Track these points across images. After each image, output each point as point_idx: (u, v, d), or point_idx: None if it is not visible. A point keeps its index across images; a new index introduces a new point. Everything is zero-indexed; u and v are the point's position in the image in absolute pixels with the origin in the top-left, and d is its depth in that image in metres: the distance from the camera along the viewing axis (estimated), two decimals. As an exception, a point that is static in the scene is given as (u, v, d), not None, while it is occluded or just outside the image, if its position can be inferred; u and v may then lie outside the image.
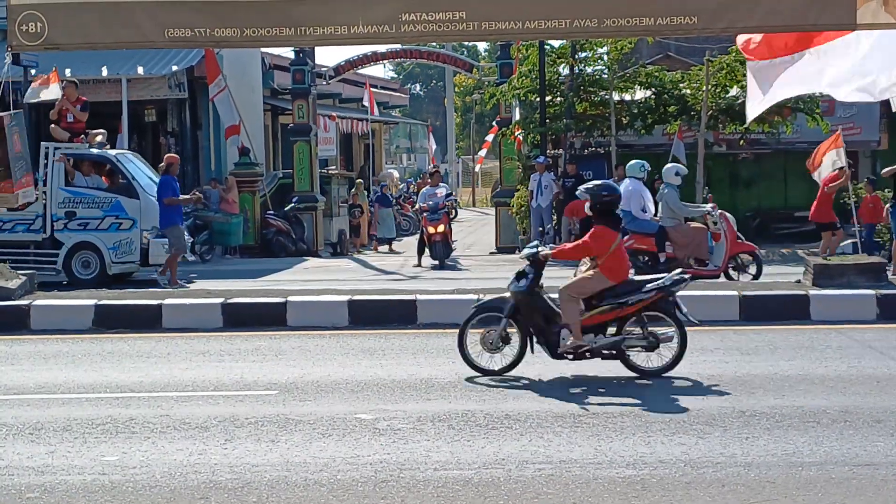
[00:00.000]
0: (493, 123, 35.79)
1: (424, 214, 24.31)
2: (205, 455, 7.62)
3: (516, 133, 28.04)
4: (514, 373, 10.10)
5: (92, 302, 13.67)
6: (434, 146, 53.89)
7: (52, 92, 22.61)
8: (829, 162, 17.88)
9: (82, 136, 20.43)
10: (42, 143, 20.45)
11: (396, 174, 45.76)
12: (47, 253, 19.62)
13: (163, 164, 19.91)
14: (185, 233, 19.87)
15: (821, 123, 25.22)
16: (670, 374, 9.94)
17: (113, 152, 21.14)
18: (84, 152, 20.44)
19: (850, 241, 24.47)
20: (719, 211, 18.71)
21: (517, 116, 28.66)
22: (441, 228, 23.79)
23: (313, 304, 13.62)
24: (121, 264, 19.68)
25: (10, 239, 19.64)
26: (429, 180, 27.01)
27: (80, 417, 8.73)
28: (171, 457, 7.61)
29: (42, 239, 19.65)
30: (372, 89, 39.20)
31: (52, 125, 20.67)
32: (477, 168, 61.44)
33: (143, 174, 20.54)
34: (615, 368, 10.25)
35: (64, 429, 8.39)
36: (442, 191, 26.24)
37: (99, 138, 20.86)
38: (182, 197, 19.58)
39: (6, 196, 14.33)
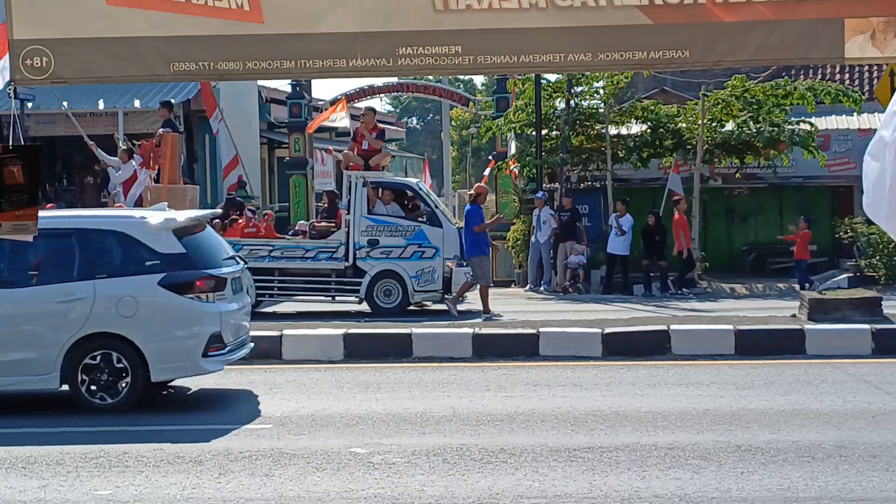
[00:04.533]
0: (490, 157, 35.89)
1: None
2: (198, 489, 7.59)
3: (511, 166, 28.12)
4: (510, 407, 10.10)
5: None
6: (430, 180, 53.95)
7: (340, 120, 23.07)
8: None
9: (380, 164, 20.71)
10: (345, 171, 20.63)
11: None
12: (349, 281, 19.61)
13: (471, 192, 20.11)
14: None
15: (818, 156, 25.28)
16: (666, 407, 9.94)
17: (413, 180, 21.22)
18: (386, 180, 20.61)
19: (845, 275, 24.56)
20: None
21: (513, 150, 28.74)
22: None
23: (308, 337, 13.61)
24: (423, 293, 19.66)
25: (313, 267, 19.73)
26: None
27: (73, 451, 8.70)
28: (164, 491, 7.58)
29: (344, 267, 19.60)
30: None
31: (346, 151, 20.93)
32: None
33: (440, 203, 20.77)
34: (612, 401, 10.27)
35: (57, 462, 8.36)
36: None
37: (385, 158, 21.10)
38: (488, 222, 19.77)
39: None
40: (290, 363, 13.02)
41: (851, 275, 24.43)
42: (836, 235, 27.14)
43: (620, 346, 13.13)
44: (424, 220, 19.76)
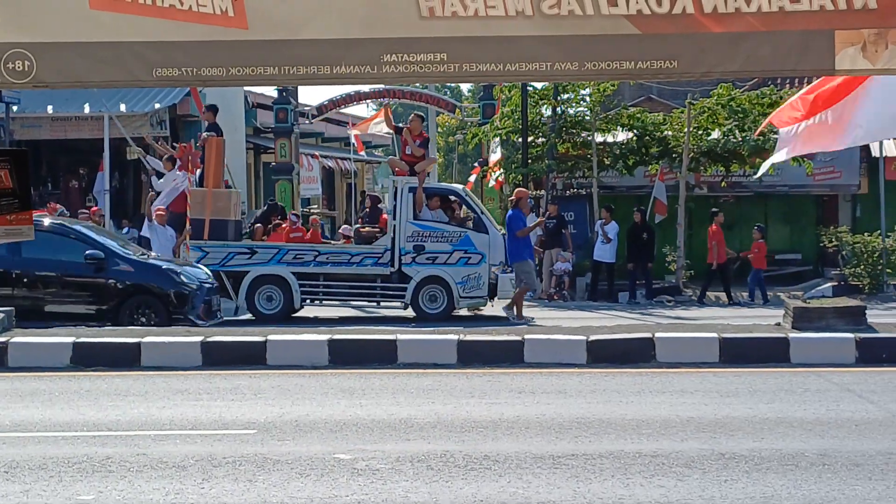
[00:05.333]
0: (475, 164, 35.91)
1: None
2: (182, 494, 7.58)
3: (495, 173, 28.15)
4: (495, 413, 10.10)
5: (70, 340, 13.60)
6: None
7: (377, 125, 23.19)
8: None
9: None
10: (390, 177, 20.67)
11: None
12: (395, 287, 19.69)
13: (512, 197, 20.17)
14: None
15: (804, 163, 25.35)
16: (651, 415, 9.95)
17: (459, 186, 21.16)
18: (431, 186, 20.64)
19: (829, 284, 24.63)
20: None
21: (494, 156, 28.77)
22: None
23: (293, 342, 13.59)
24: (469, 299, 19.67)
25: (358, 272, 19.77)
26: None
27: (56, 456, 8.67)
28: (147, 496, 7.56)
29: (390, 273, 19.68)
30: (355, 128, 39.32)
31: (391, 157, 21.04)
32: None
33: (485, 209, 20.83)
34: (597, 409, 10.27)
35: (39, 467, 8.32)
36: None
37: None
38: (530, 225, 19.74)
39: None
40: (274, 368, 12.99)
41: (836, 283, 24.54)
42: (821, 244, 27.23)
43: (605, 354, 13.14)
44: (470, 225, 19.77)
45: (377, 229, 20.70)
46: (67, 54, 13.25)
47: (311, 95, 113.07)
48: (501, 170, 27.77)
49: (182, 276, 17.70)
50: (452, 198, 20.49)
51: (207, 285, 18.20)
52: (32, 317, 16.37)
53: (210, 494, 7.57)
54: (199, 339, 13.59)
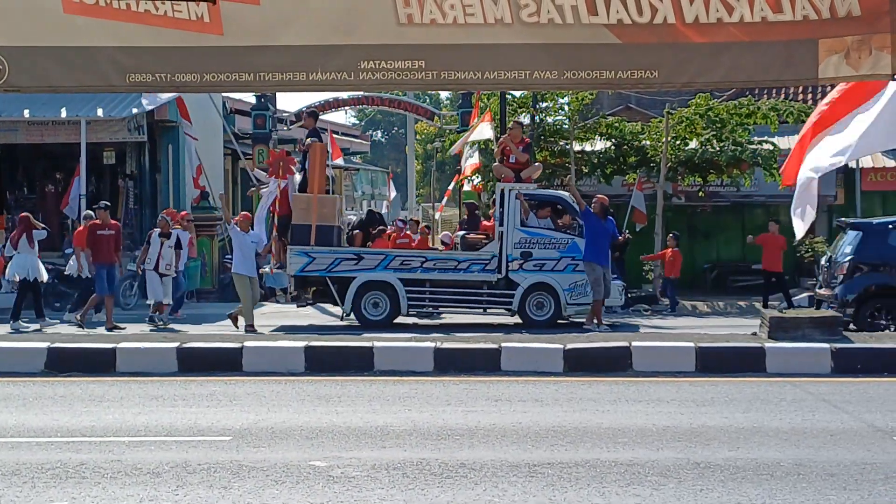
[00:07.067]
0: (456, 171, 35.90)
1: None
2: (156, 501, 7.54)
3: (474, 180, 28.12)
4: (471, 421, 10.09)
5: (44, 345, 13.53)
6: (394, 193, 53.95)
7: (483, 132, 23.10)
8: None
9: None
10: (497, 183, 20.54)
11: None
12: (501, 293, 19.59)
13: (596, 202, 20.07)
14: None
15: (777, 179, 25.42)
16: (627, 424, 9.95)
17: (565, 193, 21.05)
18: (538, 192, 20.48)
19: (805, 294, 24.69)
20: None
21: (471, 160, 28.75)
22: None
23: (269, 349, 13.55)
24: (576, 306, 19.57)
25: (465, 279, 19.67)
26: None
27: (30, 462, 8.61)
28: (121, 502, 7.51)
29: (497, 279, 19.59)
30: (333, 135, 39.32)
31: (495, 164, 20.89)
32: (437, 216, 61.45)
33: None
34: (573, 417, 10.27)
35: (13, 473, 8.27)
36: None
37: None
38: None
39: None
40: (250, 375, 12.96)
41: (812, 294, 24.57)
42: (798, 254, 27.31)
43: (582, 362, 13.15)
44: (577, 232, 19.68)
45: (483, 235, 20.66)
46: (40, 58, 13.18)
47: (289, 102, 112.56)
48: (479, 177, 27.75)
49: None
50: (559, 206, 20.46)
51: None
52: None
53: (184, 501, 7.53)
54: (175, 345, 13.54)
